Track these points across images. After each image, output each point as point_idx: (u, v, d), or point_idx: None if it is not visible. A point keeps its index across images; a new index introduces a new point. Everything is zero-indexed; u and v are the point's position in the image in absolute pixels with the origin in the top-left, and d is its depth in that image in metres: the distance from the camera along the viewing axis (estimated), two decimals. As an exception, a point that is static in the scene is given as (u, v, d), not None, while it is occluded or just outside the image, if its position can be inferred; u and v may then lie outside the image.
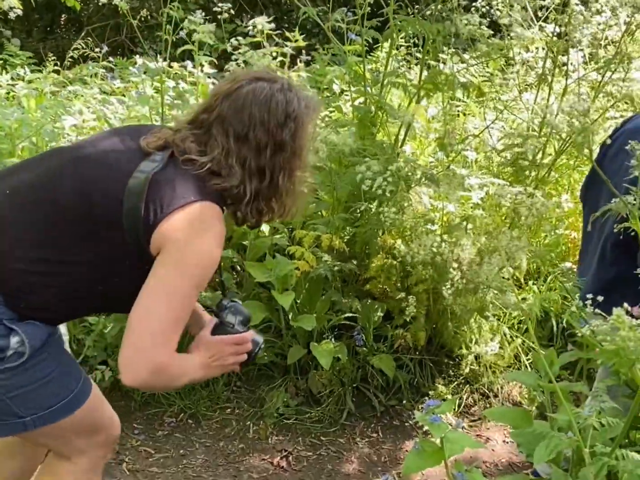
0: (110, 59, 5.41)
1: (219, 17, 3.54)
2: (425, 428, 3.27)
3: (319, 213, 3.65)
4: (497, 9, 3.49)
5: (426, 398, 3.44)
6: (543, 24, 3.54)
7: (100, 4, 3.63)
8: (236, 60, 3.53)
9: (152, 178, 1.70)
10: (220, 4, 3.52)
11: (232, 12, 3.63)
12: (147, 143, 1.79)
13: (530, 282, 3.74)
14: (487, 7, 3.40)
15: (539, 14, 3.57)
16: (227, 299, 2.05)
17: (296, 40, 3.97)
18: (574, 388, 2.13)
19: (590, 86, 3.69)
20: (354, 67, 3.56)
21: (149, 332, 1.66)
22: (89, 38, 6.14)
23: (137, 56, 4.69)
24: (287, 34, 4.01)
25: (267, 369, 3.45)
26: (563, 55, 3.58)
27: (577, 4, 3.36)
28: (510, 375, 2.53)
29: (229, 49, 3.55)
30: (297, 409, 3.33)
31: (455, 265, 3.10)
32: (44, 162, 1.89)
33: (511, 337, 3.64)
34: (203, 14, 3.43)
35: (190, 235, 1.68)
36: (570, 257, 4.05)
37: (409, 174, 3.19)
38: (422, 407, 1.89)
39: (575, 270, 4.02)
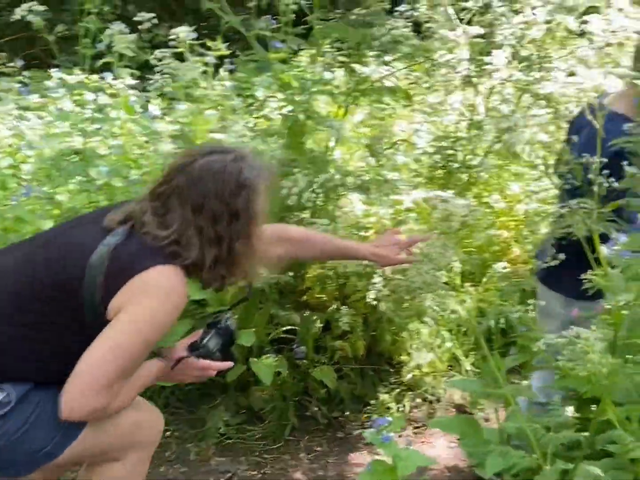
0: (26, 73, 5.20)
1: (139, 27, 3.44)
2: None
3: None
4: (421, 12, 3.51)
5: (369, 408, 3.41)
6: (466, 26, 3.55)
7: (11, 20, 3.48)
8: (160, 71, 3.44)
9: (113, 250, 1.83)
10: (141, 14, 3.42)
11: (154, 22, 3.54)
12: (110, 220, 1.92)
13: (467, 284, 3.74)
14: (411, 11, 3.40)
15: (462, 15, 3.59)
16: (225, 318, 2.11)
17: (218, 49, 3.90)
18: (521, 393, 2.12)
19: (514, 86, 3.72)
20: (279, 74, 3.50)
21: (95, 379, 1.76)
22: (1, 52, 5.89)
23: (54, 69, 4.51)
24: (209, 42, 3.93)
25: (206, 387, 3.35)
26: (487, 56, 3.60)
27: (499, 5, 3.40)
28: (455, 383, 2.51)
29: (152, 61, 3.45)
30: (238, 427, 3.26)
31: (380, 272, 3.07)
32: (21, 248, 2.07)
33: (449, 340, 3.64)
34: (123, 25, 3.33)
35: (146, 296, 1.81)
36: (504, 256, 4.08)
37: (338, 184, 3.16)
38: (370, 423, 1.85)
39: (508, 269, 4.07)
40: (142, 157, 3.99)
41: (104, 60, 3.50)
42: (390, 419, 1.77)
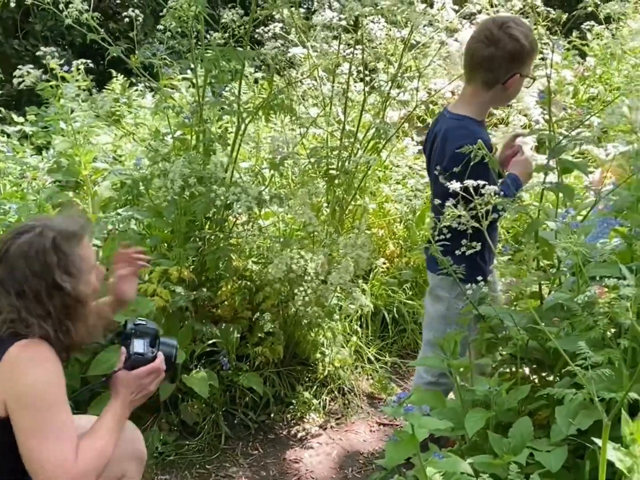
0: None
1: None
2: (300, 435, 3.44)
3: (156, 247, 3.63)
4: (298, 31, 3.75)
5: (291, 407, 3.59)
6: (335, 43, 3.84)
7: None
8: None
9: None
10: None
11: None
12: None
13: (359, 281, 4.03)
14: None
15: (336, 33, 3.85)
16: (130, 323, 2.14)
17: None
18: (481, 361, 2.40)
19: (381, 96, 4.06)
20: (168, 99, 3.60)
21: (52, 465, 1.79)
22: None
23: None
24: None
25: (136, 410, 3.35)
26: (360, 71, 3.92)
27: (370, 22, 3.71)
28: (418, 362, 2.75)
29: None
30: (175, 444, 3.31)
31: (307, 277, 3.28)
32: None
33: (354, 334, 3.92)
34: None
35: (20, 374, 1.82)
36: (381, 254, 4.42)
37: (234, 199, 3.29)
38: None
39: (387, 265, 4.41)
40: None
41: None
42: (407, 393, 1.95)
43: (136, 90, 5.67)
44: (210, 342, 3.41)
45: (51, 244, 1.91)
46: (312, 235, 3.53)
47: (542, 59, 5.03)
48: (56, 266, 1.90)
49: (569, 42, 5.55)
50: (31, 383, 1.81)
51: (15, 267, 1.89)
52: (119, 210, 3.56)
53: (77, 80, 3.79)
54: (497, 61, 2.56)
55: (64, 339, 1.93)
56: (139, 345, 2.10)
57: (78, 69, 3.82)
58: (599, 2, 4.89)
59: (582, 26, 5.46)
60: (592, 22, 5.37)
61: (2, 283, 1.90)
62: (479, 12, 4.26)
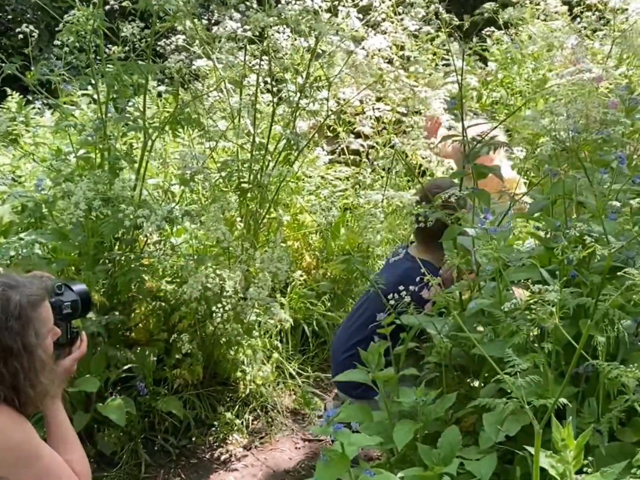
0: None
1: None
2: (224, 457, 3.36)
3: (63, 271, 3.46)
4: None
5: (213, 429, 3.49)
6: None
7: None
8: None
9: None
10: None
11: None
12: None
13: (277, 295, 3.96)
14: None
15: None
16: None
17: None
18: (407, 372, 2.37)
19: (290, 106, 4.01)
20: (69, 117, 3.46)
21: None
22: None
23: None
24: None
25: (49, 444, 3.19)
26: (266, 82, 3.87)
27: (275, 32, 3.66)
28: (343, 376, 2.67)
29: None
30: (93, 477, 3.11)
31: (225, 294, 3.20)
32: None
33: (271, 350, 3.84)
34: None
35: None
36: (298, 267, 4.36)
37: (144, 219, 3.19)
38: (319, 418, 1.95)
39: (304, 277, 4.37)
40: None
41: None
42: (338, 409, 1.90)
43: (33, 108, 5.46)
44: (126, 367, 3.28)
45: (11, 304, 1.80)
46: (227, 251, 3.44)
47: (447, 64, 5.13)
48: (10, 329, 1.79)
49: (469, 48, 5.65)
50: (21, 444, 1.80)
51: None
52: (21, 235, 3.38)
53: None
54: None
55: (26, 400, 1.85)
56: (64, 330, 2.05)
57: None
58: (496, 9, 5.03)
59: (483, 32, 5.56)
60: (492, 28, 5.48)
61: None
62: (383, 20, 4.29)
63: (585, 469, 1.40)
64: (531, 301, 1.66)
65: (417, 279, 2.29)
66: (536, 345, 1.96)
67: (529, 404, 1.50)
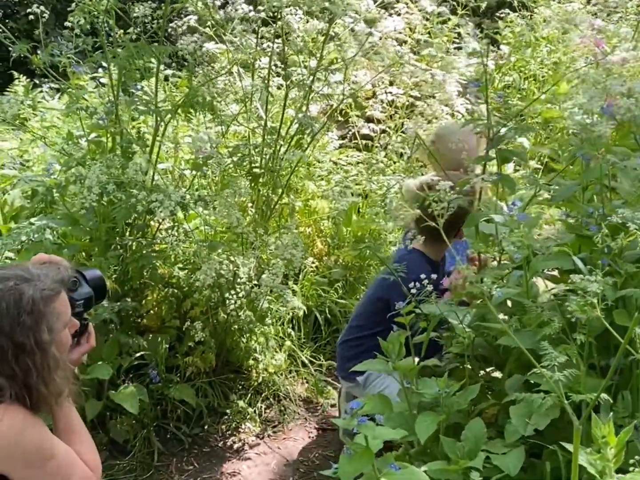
0: None
1: None
2: (237, 446, 3.31)
3: (74, 257, 3.41)
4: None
5: (226, 417, 3.44)
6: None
7: None
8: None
9: None
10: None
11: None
12: None
13: (289, 282, 3.91)
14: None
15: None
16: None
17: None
18: (427, 363, 2.32)
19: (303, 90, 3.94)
20: (81, 100, 3.39)
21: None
22: None
23: None
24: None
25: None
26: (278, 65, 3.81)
27: (289, 14, 3.58)
28: (362, 366, 2.62)
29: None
30: (105, 465, 3.11)
31: (240, 280, 3.15)
32: None
33: (283, 337, 3.80)
34: None
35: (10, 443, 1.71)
36: (310, 253, 4.30)
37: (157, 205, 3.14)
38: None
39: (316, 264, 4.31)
40: None
41: None
42: (360, 402, 1.85)
43: (40, 91, 5.39)
44: (138, 354, 3.24)
45: (24, 299, 1.73)
46: (240, 237, 3.39)
47: (458, 48, 5.04)
48: (23, 325, 1.71)
49: (481, 31, 5.56)
50: (33, 441, 1.74)
51: None
52: (32, 220, 3.32)
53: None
54: None
55: (38, 400, 1.78)
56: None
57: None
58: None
59: (497, 14, 5.48)
60: (507, 10, 5.38)
61: None
62: (397, 1, 4.21)
63: (631, 469, 1.35)
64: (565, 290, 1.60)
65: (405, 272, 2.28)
66: (564, 336, 1.90)
67: (567, 399, 1.45)
